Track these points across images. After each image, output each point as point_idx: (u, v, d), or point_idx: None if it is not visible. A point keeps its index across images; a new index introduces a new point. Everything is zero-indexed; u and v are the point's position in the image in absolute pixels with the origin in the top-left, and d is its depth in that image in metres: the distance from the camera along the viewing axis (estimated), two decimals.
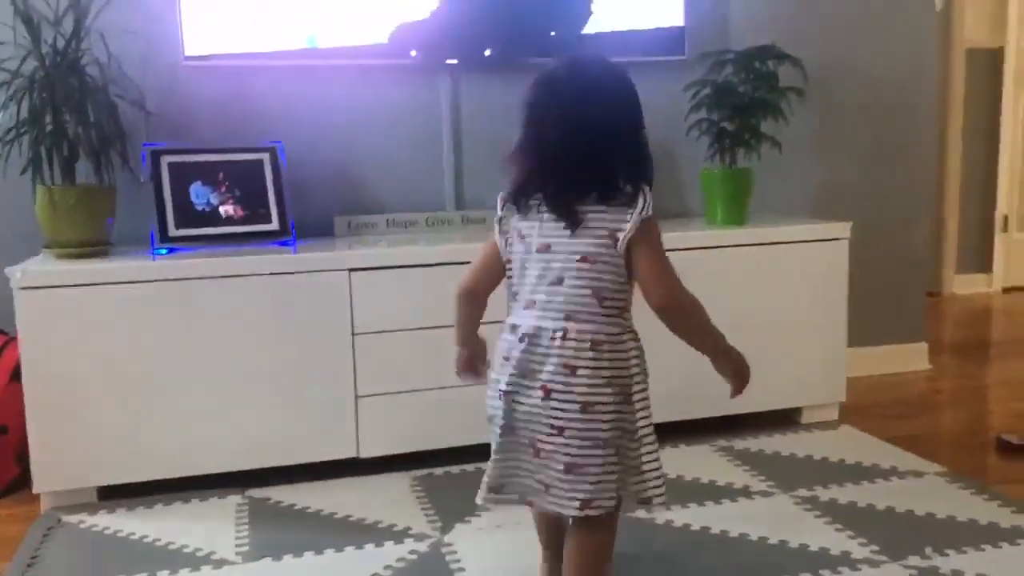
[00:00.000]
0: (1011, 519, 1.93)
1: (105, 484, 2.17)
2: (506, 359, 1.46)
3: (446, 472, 2.30)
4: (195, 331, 2.16)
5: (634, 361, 1.46)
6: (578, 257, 1.42)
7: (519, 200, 1.49)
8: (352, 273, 2.25)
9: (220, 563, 1.83)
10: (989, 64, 4.63)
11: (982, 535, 1.85)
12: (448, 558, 1.83)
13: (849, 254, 2.60)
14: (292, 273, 2.22)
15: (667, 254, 1.46)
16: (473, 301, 1.59)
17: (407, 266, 2.29)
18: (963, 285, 4.74)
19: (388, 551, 1.86)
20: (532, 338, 1.43)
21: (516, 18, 2.69)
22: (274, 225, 2.47)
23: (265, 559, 1.85)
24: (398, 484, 2.23)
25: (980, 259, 4.79)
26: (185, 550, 1.89)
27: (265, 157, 2.50)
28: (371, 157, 2.70)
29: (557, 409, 1.41)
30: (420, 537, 1.93)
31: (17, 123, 2.23)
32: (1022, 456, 2.36)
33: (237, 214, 2.44)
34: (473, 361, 1.64)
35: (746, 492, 2.13)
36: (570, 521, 1.50)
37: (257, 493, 2.19)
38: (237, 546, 1.91)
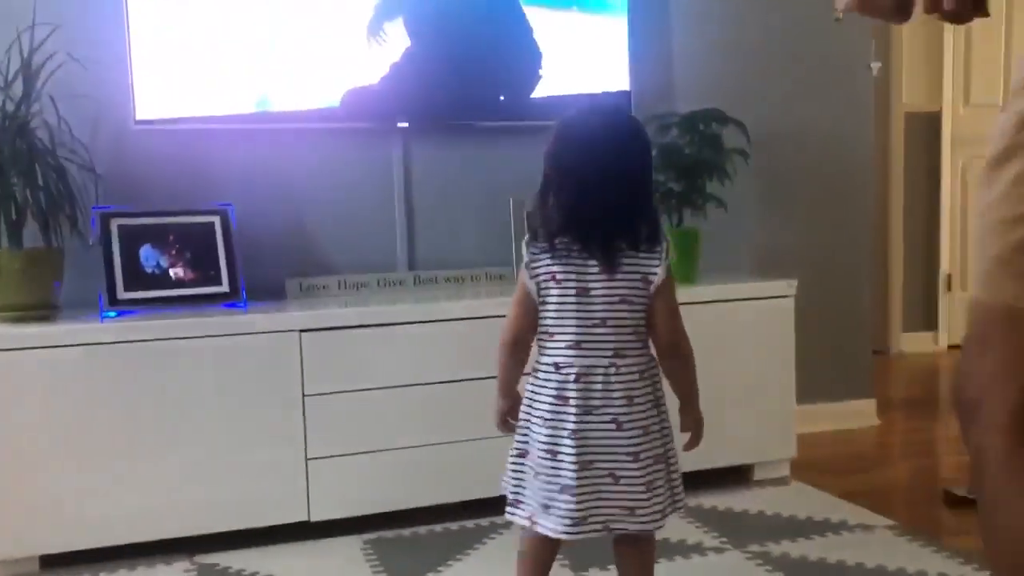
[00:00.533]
0: (959, 570, 1.95)
1: (48, 552, 2.11)
2: (561, 398, 1.53)
3: (397, 535, 2.28)
4: (142, 394, 2.14)
5: (659, 378, 1.60)
6: (618, 299, 1.53)
7: (552, 243, 1.55)
8: (303, 334, 2.24)
9: None
10: (927, 127, 4.81)
11: None
12: None
13: (796, 313, 2.66)
14: (242, 335, 2.21)
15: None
16: (523, 349, 1.63)
17: (358, 326, 2.29)
18: (910, 343, 4.84)
19: None
20: (585, 377, 1.52)
21: (466, 82, 2.75)
22: (224, 287, 2.46)
23: None
24: (349, 548, 2.20)
25: (926, 318, 4.90)
26: None
27: (216, 220, 2.50)
28: (323, 219, 2.72)
29: (630, 437, 1.52)
30: None
31: None
32: (968, 507, 2.40)
33: (187, 276, 2.43)
34: (512, 413, 1.65)
35: (699, 549, 2.13)
36: (617, 539, 1.63)
37: (205, 559, 2.15)
38: None
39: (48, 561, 2.12)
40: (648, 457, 1.53)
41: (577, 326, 1.54)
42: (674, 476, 1.61)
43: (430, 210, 2.81)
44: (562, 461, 1.52)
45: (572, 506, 1.51)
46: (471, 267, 2.81)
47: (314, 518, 2.27)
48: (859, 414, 3.28)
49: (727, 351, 2.58)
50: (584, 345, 1.53)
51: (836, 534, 2.19)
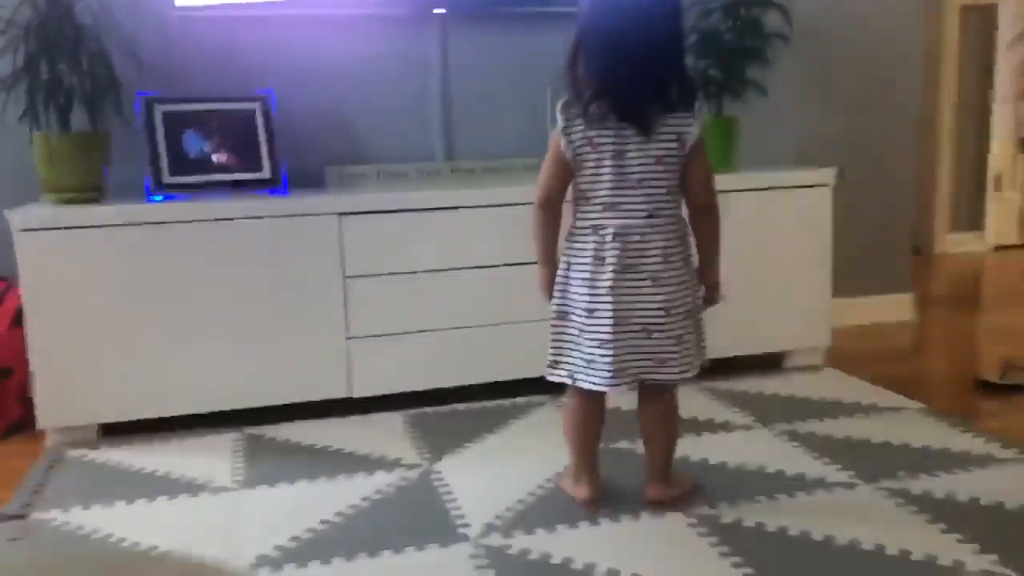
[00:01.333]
0: (984, 447, 1.98)
1: (106, 422, 2.23)
2: (599, 258, 1.61)
3: (436, 411, 2.36)
4: (190, 274, 2.22)
5: (690, 238, 1.68)
6: (654, 160, 1.59)
7: (586, 109, 1.59)
8: (343, 217, 2.29)
9: (217, 490, 1.90)
10: (983, 20, 4.64)
11: (954, 461, 1.91)
12: (436, 484, 1.89)
13: (836, 205, 2.64)
14: (284, 216, 2.26)
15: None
16: (555, 209, 1.70)
17: (397, 211, 2.33)
18: (955, 244, 4.78)
19: (379, 479, 1.92)
20: (622, 237, 1.60)
21: None
22: (266, 173, 2.51)
23: (261, 486, 1.91)
24: (390, 422, 2.29)
25: (972, 218, 4.82)
26: (183, 479, 1.96)
27: (257, 106, 2.54)
28: (361, 107, 2.74)
29: (663, 292, 1.60)
30: (410, 466, 1.99)
31: (13, 71, 2.27)
32: (1001, 394, 2.42)
33: (230, 162, 2.49)
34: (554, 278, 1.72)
35: (727, 426, 2.18)
36: (642, 390, 1.71)
37: (253, 430, 2.25)
38: (234, 476, 1.97)
39: (107, 429, 2.25)
40: (679, 312, 1.62)
41: (613, 188, 1.60)
42: (701, 328, 1.71)
43: (467, 99, 2.81)
44: (600, 318, 1.61)
45: (610, 359, 1.61)
46: (508, 157, 2.82)
47: (356, 395, 2.36)
48: (896, 308, 3.28)
49: (764, 238, 2.59)
50: (621, 206, 1.60)
51: (865, 415, 2.23)
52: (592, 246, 1.62)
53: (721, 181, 2.49)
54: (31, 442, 2.24)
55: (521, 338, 2.41)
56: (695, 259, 1.70)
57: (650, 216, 1.61)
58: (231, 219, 2.23)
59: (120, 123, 2.41)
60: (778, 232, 2.60)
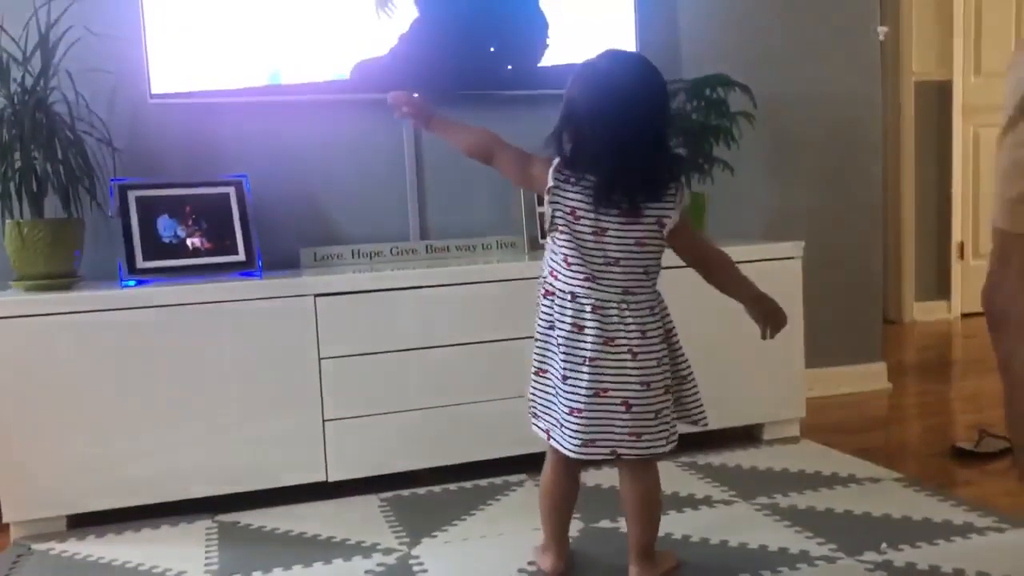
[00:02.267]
0: (964, 516, 1.98)
1: (74, 512, 2.18)
2: (577, 327, 1.63)
3: (413, 493, 2.33)
4: (162, 359, 2.20)
5: (668, 315, 1.72)
6: (632, 242, 1.63)
7: (579, 179, 1.63)
8: (317, 299, 2.29)
9: None
10: (938, 96, 4.80)
11: (936, 532, 1.91)
12: (416, 569, 1.85)
13: (805, 277, 2.67)
14: (258, 299, 2.26)
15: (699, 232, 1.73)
16: (485, 142, 1.80)
17: (372, 291, 2.33)
18: (923, 312, 4.85)
19: (356, 565, 1.88)
20: (601, 310, 1.63)
21: (474, 52, 2.78)
22: (240, 256, 2.51)
23: None
24: (366, 505, 2.26)
25: (939, 286, 4.91)
26: (155, 571, 1.91)
27: (231, 190, 2.56)
28: (336, 190, 2.76)
29: (643, 367, 1.63)
30: (388, 551, 1.95)
31: None
32: (977, 462, 2.43)
33: (204, 246, 2.49)
34: (417, 112, 1.87)
35: (707, 501, 2.17)
36: (622, 462, 1.72)
37: (226, 518, 2.21)
38: (207, 565, 1.92)
39: (75, 521, 2.19)
40: (659, 387, 1.65)
41: (591, 262, 1.64)
42: (688, 397, 1.74)
43: (441, 180, 2.85)
44: (576, 386, 1.62)
45: (581, 428, 1.63)
46: (482, 235, 2.85)
47: (332, 478, 2.32)
48: (870, 378, 3.30)
49: (736, 312, 2.60)
50: (598, 280, 1.64)
51: (844, 486, 2.23)
52: (571, 314, 1.64)
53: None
54: None
55: (498, 416, 2.40)
56: (675, 331, 1.73)
57: (625, 292, 1.64)
58: (204, 303, 2.22)
59: (94, 209, 2.41)
60: None
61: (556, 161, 1.66)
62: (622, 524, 2.00)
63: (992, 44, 4.82)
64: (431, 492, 2.34)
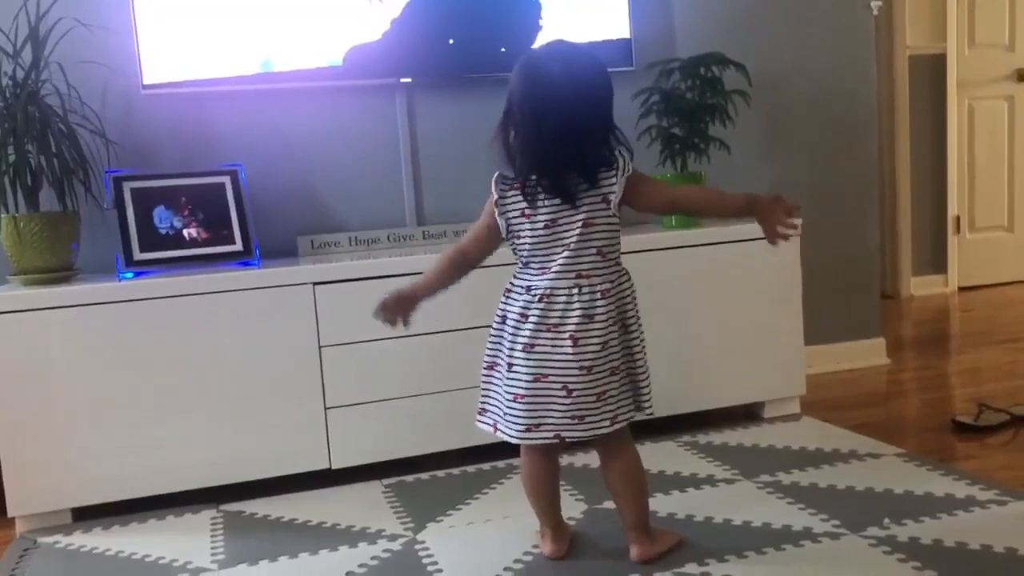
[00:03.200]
0: (966, 490, 1.99)
1: (79, 505, 2.18)
2: (523, 316, 1.67)
3: (416, 479, 2.34)
4: (163, 350, 2.19)
5: (629, 297, 1.70)
6: (581, 224, 1.63)
7: (522, 183, 1.66)
8: (316, 287, 2.29)
9: (197, 571, 1.85)
10: (932, 69, 4.78)
11: (938, 506, 1.92)
12: (422, 555, 1.86)
13: (802, 254, 2.68)
14: (257, 289, 2.25)
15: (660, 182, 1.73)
16: (462, 264, 1.79)
17: (370, 278, 2.33)
18: (920, 287, 4.86)
19: (362, 551, 1.89)
20: (549, 297, 1.65)
21: (466, 35, 2.77)
22: (237, 246, 2.51)
23: (241, 565, 1.87)
24: (370, 492, 2.26)
25: (935, 261, 4.91)
26: (161, 561, 1.91)
27: (226, 180, 2.55)
28: (331, 177, 2.75)
29: (584, 353, 1.63)
30: (393, 537, 1.96)
31: None
32: (977, 435, 2.44)
33: (201, 236, 2.48)
34: (405, 309, 1.80)
35: (710, 480, 2.18)
36: (599, 448, 1.77)
37: (231, 507, 2.21)
38: (213, 555, 1.93)
39: (80, 513, 2.19)
40: (602, 370, 1.64)
41: (547, 254, 1.67)
42: (641, 382, 1.73)
43: (436, 164, 2.84)
44: (517, 374, 1.67)
45: (523, 414, 1.66)
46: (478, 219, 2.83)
47: (335, 465, 2.33)
48: (869, 353, 3.31)
49: (734, 291, 2.61)
50: (551, 268, 1.66)
51: (845, 463, 2.24)
52: (521, 304, 1.67)
53: (689, 236, 2.57)
54: (2, 528, 2.18)
55: None
56: (633, 316, 1.71)
57: (578, 277, 1.65)
58: (203, 294, 2.22)
59: (89, 201, 2.40)
60: (749, 284, 2.63)
61: (495, 176, 1.70)
62: None
63: (986, 16, 4.82)
64: (434, 477, 2.34)
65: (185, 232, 2.47)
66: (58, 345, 2.13)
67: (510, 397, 1.67)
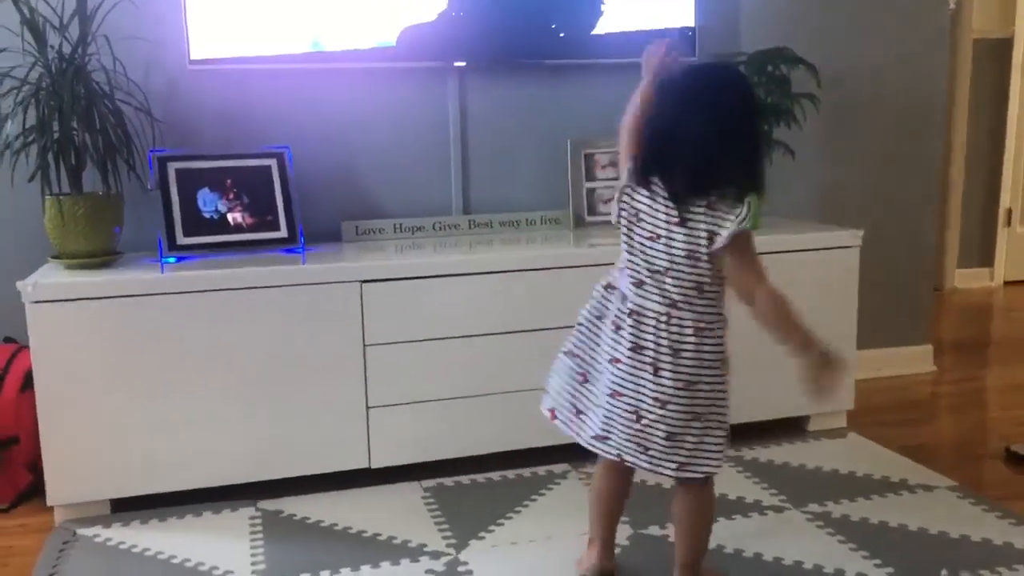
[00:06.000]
0: (1023, 538, 1.94)
1: (118, 497, 2.17)
2: (616, 327, 1.61)
3: (456, 482, 2.30)
4: (206, 342, 2.15)
5: (723, 346, 1.61)
6: (683, 254, 1.55)
7: (648, 181, 1.59)
8: (363, 285, 2.23)
9: None
10: (997, 54, 4.60)
11: (995, 557, 1.86)
12: None
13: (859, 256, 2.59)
14: (303, 285, 2.20)
15: (756, 256, 1.58)
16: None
17: (418, 277, 2.27)
18: (964, 280, 4.75)
19: (404, 570, 1.86)
20: (639, 316, 1.59)
21: (525, 19, 2.65)
22: (282, 232, 2.45)
23: None
24: (410, 495, 2.23)
25: (982, 253, 4.79)
26: (201, 568, 1.89)
27: (273, 163, 2.48)
28: (378, 161, 2.67)
29: (663, 385, 1.56)
30: (435, 555, 1.93)
31: (24, 131, 2.21)
32: None
33: (245, 222, 2.42)
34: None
35: (758, 507, 2.13)
36: (675, 484, 1.69)
37: (269, 505, 2.19)
38: (252, 564, 1.91)
39: (119, 505, 2.18)
40: (679, 410, 1.57)
41: (642, 268, 1.60)
42: (707, 440, 1.60)
43: (486, 152, 2.75)
44: (599, 380, 1.64)
45: (596, 422, 1.64)
46: (527, 211, 2.76)
47: (374, 465, 2.30)
48: (915, 360, 3.24)
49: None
50: (646, 287, 1.59)
51: (896, 494, 2.18)
52: (615, 312, 1.62)
53: None
54: (41, 513, 2.17)
55: (537, 406, 2.36)
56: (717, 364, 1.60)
57: (671, 306, 1.57)
58: (247, 289, 2.16)
59: (132, 180, 2.34)
60: (804, 293, 2.53)
61: (629, 168, 1.63)
62: (671, 531, 1.98)
63: None
64: (474, 481, 2.31)
65: (230, 216, 2.42)
66: (99, 334, 2.09)
67: (589, 399, 1.65)
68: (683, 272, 1.56)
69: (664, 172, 1.57)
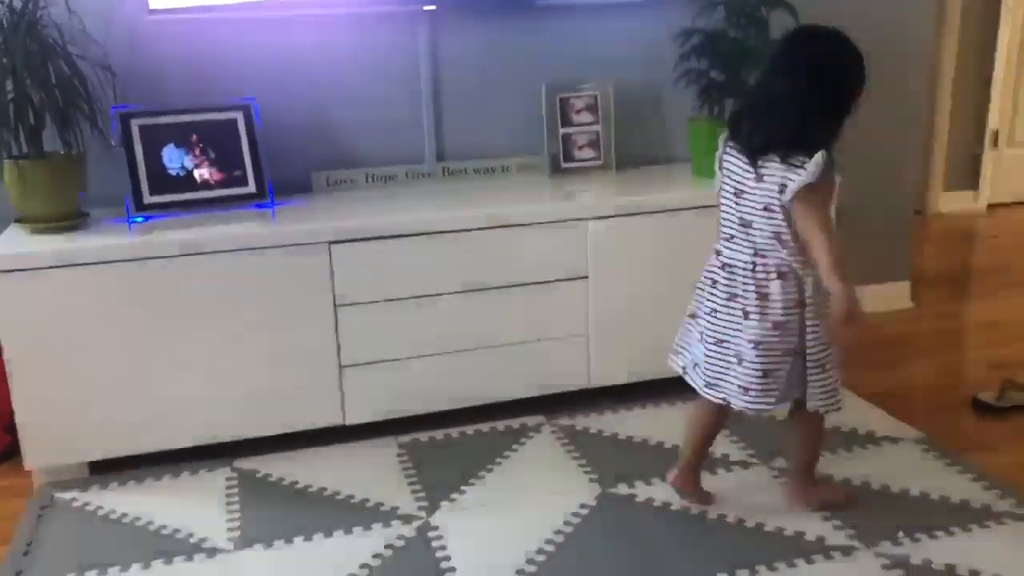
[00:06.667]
0: (982, 497, 1.98)
1: (95, 459, 2.19)
2: (711, 281, 1.81)
3: (431, 438, 2.34)
4: (177, 305, 2.14)
5: (808, 291, 1.73)
6: (761, 207, 1.71)
7: (731, 143, 1.78)
8: (332, 246, 2.21)
9: (213, 551, 1.87)
10: None
11: (954, 517, 1.91)
12: (434, 543, 1.87)
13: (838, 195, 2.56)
14: (271, 248, 2.17)
15: (822, 208, 1.67)
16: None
17: (387, 237, 2.25)
18: (949, 202, 4.72)
19: (376, 536, 1.90)
20: (730, 268, 1.77)
21: None
22: (251, 187, 2.42)
23: (257, 545, 1.89)
24: (384, 452, 2.27)
25: (969, 176, 4.75)
26: (178, 535, 1.93)
27: (239, 116, 2.43)
28: (348, 110, 2.61)
29: (753, 328, 1.74)
30: (407, 519, 1.97)
31: None
32: (997, 417, 2.41)
33: (213, 178, 2.38)
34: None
35: (726, 463, 2.17)
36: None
37: (245, 464, 2.22)
38: (228, 530, 1.95)
39: (97, 467, 2.21)
40: (771, 349, 1.74)
41: (730, 223, 1.77)
42: (817, 374, 1.78)
43: (458, 98, 2.69)
44: (705, 333, 1.82)
45: (706, 370, 1.83)
46: (501, 156, 2.72)
47: (349, 422, 2.32)
48: (893, 297, 3.25)
49: None
50: (734, 240, 1.77)
51: (863, 447, 2.22)
52: (710, 267, 1.81)
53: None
54: (20, 475, 2.20)
55: (512, 360, 2.39)
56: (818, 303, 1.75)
57: (756, 254, 1.73)
58: (216, 252, 2.14)
59: (95, 140, 2.29)
60: None
61: (725, 132, 1.81)
62: (638, 489, 2.05)
63: None
64: (448, 436, 2.34)
65: (196, 173, 2.37)
66: (68, 299, 2.07)
67: (702, 351, 1.82)
68: (763, 224, 1.71)
69: (744, 129, 1.73)
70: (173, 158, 2.36)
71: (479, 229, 2.30)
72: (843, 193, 2.58)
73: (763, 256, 1.72)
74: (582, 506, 1.99)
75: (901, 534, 1.85)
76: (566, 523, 1.92)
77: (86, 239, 2.13)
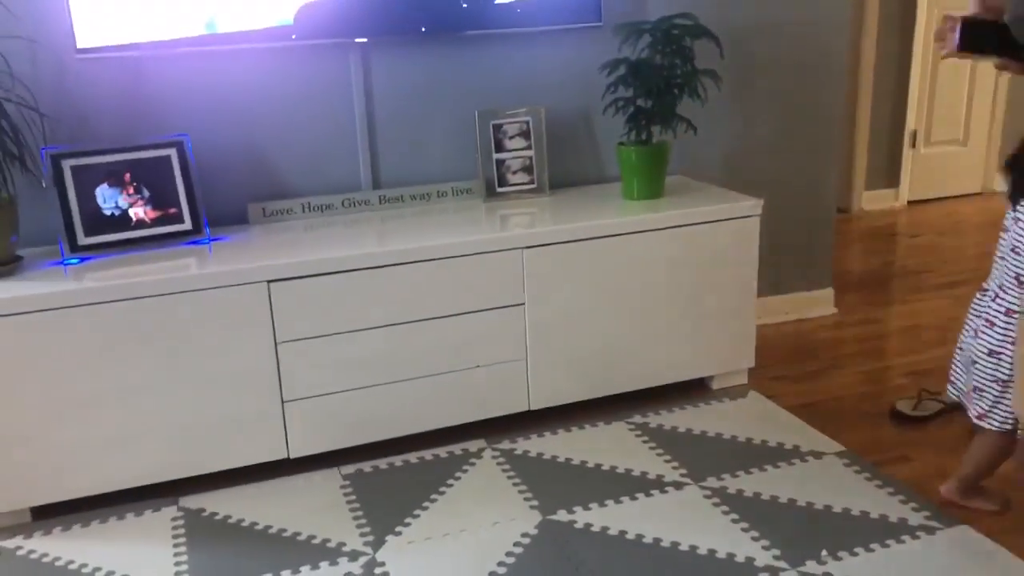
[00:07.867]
0: (898, 511, 2.10)
1: (38, 504, 2.19)
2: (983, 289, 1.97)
3: (375, 467, 2.38)
4: (116, 348, 2.15)
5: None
6: (1010, 247, 1.84)
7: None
8: (271, 284, 2.23)
9: None
10: None
11: (874, 532, 2.02)
12: None
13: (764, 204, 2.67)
14: (210, 290, 2.19)
15: None
16: None
17: (326, 274, 2.28)
18: (871, 201, 4.90)
19: (323, 574, 1.95)
20: (982, 292, 1.96)
21: None
22: (187, 224, 2.43)
23: None
24: (328, 486, 2.31)
25: (889, 175, 4.93)
26: None
27: (172, 152, 2.43)
28: (283, 141, 2.63)
29: (989, 336, 1.90)
30: (353, 555, 2.02)
31: None
32: (914, 427, 2.54)
33: (148, 216, 2.39)
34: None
35: (660, 483, 2.26)
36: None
37: (191, 503, 2.24)
38: (176, 572, 1.97)
39: (40, 512, 2.21)
40: (984, 372, 1.91)
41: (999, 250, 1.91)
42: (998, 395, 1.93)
43: (393, 126, 2.72)
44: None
45: (953, 370, 2.08)
46: (437, 182, 2.77)
47: (293, 455, 2.36)
48: (817, 304, 3.38)
49: (692, 269, 2.61)
50: (997, 262, 1.91)
51: (789, 463, 2.33)
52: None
53: (648, 221, 2.52)
54: None
55: (453, 387, 2.44)
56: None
57: (1000, 288, 1.87)
58: (154, 296, 2.15)
59: (26, 180, 2.27)
60: (706, 261, 2.63)
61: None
62: (577, 515, 2.11)
63: None
64: (392, 465, 2.39)
65: (131, 212, 2.38)
66: (4, 345, 2.07)
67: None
68: (1008, 263, 1.85)
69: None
70: (107, 198, 2.36)
71: (416, 262, 2.35)
72: (768, 204, 2.70)
73: (1004, 292, 1.88)
74: (523, 535, 2.06)
75: (824, 552, 1.96)
76: (508, 554, 1.99)
77: (20, 287, 2.11)
